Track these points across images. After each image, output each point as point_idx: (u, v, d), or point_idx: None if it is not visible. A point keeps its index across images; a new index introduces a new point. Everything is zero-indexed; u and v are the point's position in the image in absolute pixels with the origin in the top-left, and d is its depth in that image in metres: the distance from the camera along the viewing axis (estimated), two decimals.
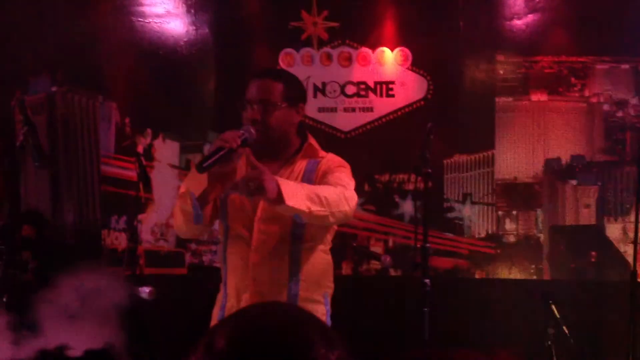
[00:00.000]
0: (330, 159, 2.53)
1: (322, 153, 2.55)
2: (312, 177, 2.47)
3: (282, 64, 4.73)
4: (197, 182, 2.36)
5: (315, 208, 2.25)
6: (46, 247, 4.70)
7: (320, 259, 2.52)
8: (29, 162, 4.49)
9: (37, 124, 4.75)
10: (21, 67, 4.78)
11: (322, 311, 2.49)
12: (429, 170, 3.14)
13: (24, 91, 4.77)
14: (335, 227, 2.58)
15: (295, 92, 2.54)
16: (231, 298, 2.52)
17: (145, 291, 3.48)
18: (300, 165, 2.51)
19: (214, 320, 2.58)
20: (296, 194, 2.23)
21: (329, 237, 2.58)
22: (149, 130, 4.81)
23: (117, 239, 4.82)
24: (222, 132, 2.39)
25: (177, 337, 3.79)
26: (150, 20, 4.82)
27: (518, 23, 4.56)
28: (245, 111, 2.46)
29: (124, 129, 4.84)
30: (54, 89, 4.79)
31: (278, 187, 2.18)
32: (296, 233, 2.45)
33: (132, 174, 4.63)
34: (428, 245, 3.10)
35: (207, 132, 4.73)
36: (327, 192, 2.31)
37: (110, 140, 4.85)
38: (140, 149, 4.79)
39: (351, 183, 2.46)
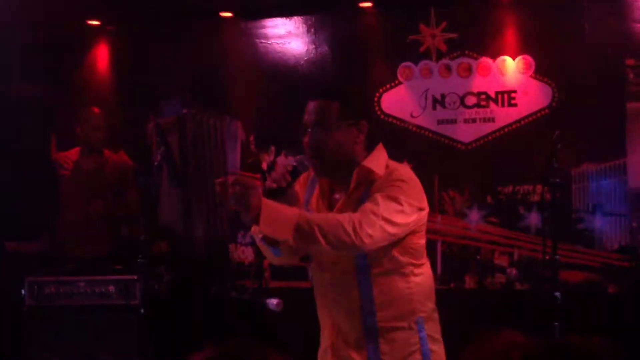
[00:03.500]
0: (388, 177, 2.28)
1: (378, 172, 2.29)
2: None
3: (401, 78, 4.74)
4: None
5: (300, 238, 2.10)
6: (178, 261, 4.94)
7: (399, 284, 2.31)
8: (164, 180, 4.76)
9: (170, 143, 5.05)
10: (155, 92, 5.06)
11: (413, 340, 2.33)
12: (557, 180, 3.00)
13: (158, 114, 5.05)
14: (419, 242, 2.34)
15: (355, 109, 2.33)
16: (322, 341, 2.46)
17: (273, 303, 3.57)
18: (359, 193, 2.29)
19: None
20: (278, 221, 2.09)
21: (406, 259, 2.32)
22: (272, 148, 4.96)
23: (244, 253, 4.99)
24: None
25: (300, 351, 3.87)
26: (273, 41, 4.99)
27: None
28: (304, 137, 2.30)
29: (249, 147, 5.02)
30: (184, 111, 5.05)
31: (258, 210, 2.07)
32: (359, 263, 2.29)
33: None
34: (557, 257, 2.96)
35: None
36: (325, 218, 2.17)
37: (236, 157, 5.04)
38: (264, 165, 4.95)
39: (391, 204, 2.19)
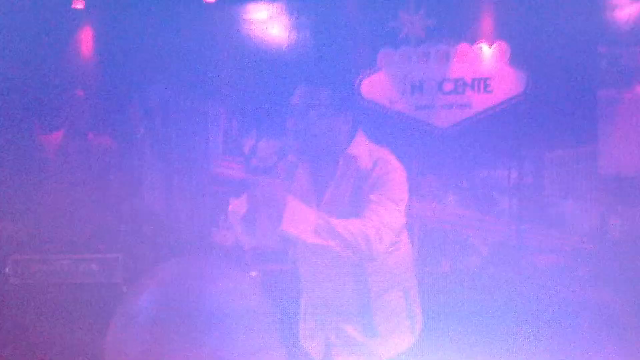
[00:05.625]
0: (378, 170, 2.35)
1: (363, 158, 2.37)
2: (362, 193, 2.34)
3: (380, 64, 4.81)
4: (239, 203, 2.36)
5: (319, 241, 2.19)
6: (161, 244, 5.01)
7: (387, 261, 2.42)
8: (147, 157, 4.84)
9: (153, 126, 5.12)
10: (139, 76, 5.11)
11: (401, 306, 2.48)
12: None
13: (142, 96, 5.10)
14: (402, 219, 2.41)
15: (342, 99, 2.40)
16: (307, 320, 2.57)
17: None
18: (347, 184, 2.38)
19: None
20: (300, 222, 2.17)
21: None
22: (254, 132, 5.03)
23: (225, 237, 5.07)
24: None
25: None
26: (255, 26, 5.05)
27: (620, 14, 4.43)
28: (289, 119, 2.36)
29: (231, 131, 5.08)
30: (167, 95, 5.10)
31: (282, 207, 2.16)
32: None
33: (240, 174, 4.87)
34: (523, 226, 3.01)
35: None
36: (345, 228, 2.22)
37: (218, 141, 5.11)
38: (246, 149, 5.02)
39: (392, 208, 2.28)
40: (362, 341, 2.45)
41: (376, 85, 4.82)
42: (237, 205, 2.37)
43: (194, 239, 5.11)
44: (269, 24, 5.03)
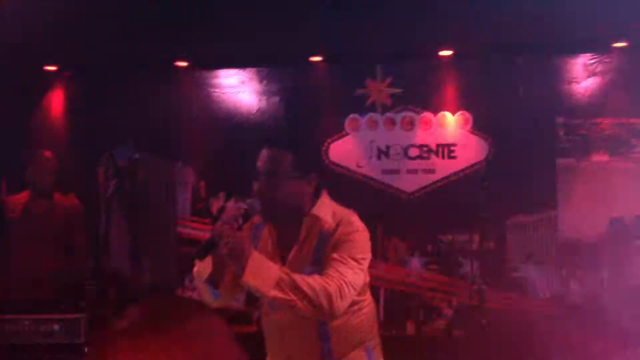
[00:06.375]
0: (341, 230, 2.36)
1: (327, 220, 2.38)
2: (325, 252, 2.34)
3: (348, 129, 4.95)
4: (204, 264, 2.35)
5: (280, 295, 2.18)
6: (125, 305, 4.96)
7: (350, 320, 2.42)
8: (115, 221, 4.81)
9: (122, 186, 5.11)
10: (108, 137, 5.14)
11: None
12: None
13: (110, 157, 5.11)
14: (365, 278, 2.41)
15: (306, 162, 2.43)
16: None
17: None
18: (310, 244, 2.40)
19: None
20: (262, 274, 2.17)
21: (354, 298, 2.37)
22: (222, 194, 5.08)
23: (191, 297, 5.04)
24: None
25: None
26: (226, 91, 5.16)
27: (577, 86, 4.66)
28: (255, 182, 2.37)
29: (199, 192, 5.12)
30: (136, 156, 5.13)
31: (246, 260, 2.16)
32: None
33: (206, 235, 4.87)
34: (484, 287, 3.11)
35: None
36: (307, 284, 2.21)
37: (186, 202, 5.13)
38: (214, 210, 5.05)
39: (354, 266, 2.30)
40: None
41: (344, 149, 4.94)
42: (203, 266, 2.37)
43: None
44: (239, 90, 5.14)
